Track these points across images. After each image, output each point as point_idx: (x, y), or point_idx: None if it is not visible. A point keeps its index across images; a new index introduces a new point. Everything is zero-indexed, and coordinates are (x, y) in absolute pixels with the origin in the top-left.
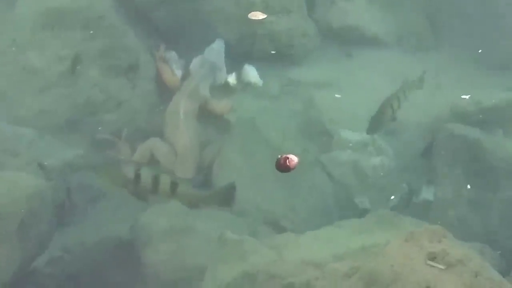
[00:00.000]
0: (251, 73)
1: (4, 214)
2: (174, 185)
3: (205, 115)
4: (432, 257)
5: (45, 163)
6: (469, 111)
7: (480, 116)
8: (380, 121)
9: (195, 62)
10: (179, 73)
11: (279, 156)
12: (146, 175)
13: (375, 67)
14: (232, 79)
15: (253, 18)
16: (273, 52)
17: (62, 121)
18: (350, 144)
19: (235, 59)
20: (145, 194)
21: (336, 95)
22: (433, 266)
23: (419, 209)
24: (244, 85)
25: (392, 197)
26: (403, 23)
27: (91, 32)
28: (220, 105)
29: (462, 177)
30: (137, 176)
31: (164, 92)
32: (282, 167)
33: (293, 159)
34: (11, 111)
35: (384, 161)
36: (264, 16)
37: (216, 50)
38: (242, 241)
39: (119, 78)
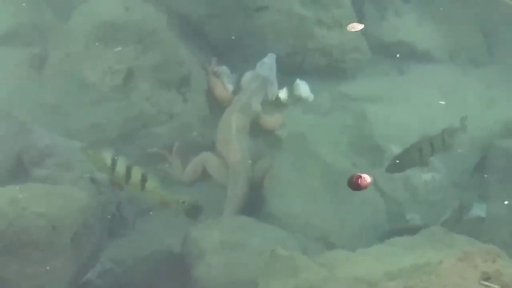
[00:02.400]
0: (302, 87)
1: (59, 227)
2: (143, 179)
3: (257, 129)
4: (486, 277)
5: (97, 177)
6: None
7: None
8: (402, 163)
9: (247, 77)
10: (230, 87)
11: (353, 174)
12: (121, 164)
13: (427, 82)
14: (283, 93)
15: (352, 30)
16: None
17: (114, 135)
18: None
19: (287, 73)
20: (119, 183)
21: (441, 102)
22: (487, 286)
23: (471, 225)
24: (295, 99)
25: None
26: (456, 38)
27: (143, 46)
28: (271, 120)
29: None
30: (113, 164)
31: (216, 106)
32: (354, 185)
33: (366, 178)
34: (64, 125)
35: (436, 177)
36: (362, 26)
37: (268, 64)
38: (293, 257)
39: (171, 92)
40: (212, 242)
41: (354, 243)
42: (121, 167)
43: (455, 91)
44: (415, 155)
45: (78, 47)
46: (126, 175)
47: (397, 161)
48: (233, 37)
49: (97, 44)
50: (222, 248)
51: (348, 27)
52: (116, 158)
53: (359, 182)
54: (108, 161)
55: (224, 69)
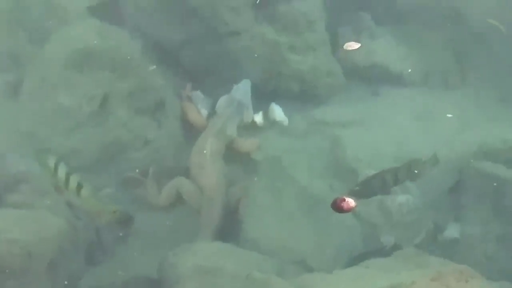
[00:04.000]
0: (277, 112)
1: (34, 254)
2: (79, 186)
3: (232, 154)
4: None
5: (74, 202)
6: (496, 149)
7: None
8: (363, 191)
9: (222, 101)
10: (205, 112)
11: (337, 197)
12: (62, 170)
13: (402, 106)
14: (258, 118)
15: (349, 48)
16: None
17: (90, 160)
18: None
19: (261, 98)
20: (59, 188)
21: (448, 115)
22: None
23: (446, 247)
24: (270, 124)
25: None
26: (429, 61)
27: (118, 72)
28: (246, 144)
29: (490, 215)
30: (55, 169)
31: (191, 131)
32: (338, 208)
33: (351, 202)
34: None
35: (410, 199)
36: (359, 45)
37: (243, 89)
38: (269, 280)
39: (146, 118)
40: (188, 267)
41: (330, 265)
42: (62, 173)
43: (428, 114)
44: (377, 184)
45: (54, 74)
46: (65, 181)
47: (358, 188)
48: (208, 62)
49: (73, 70)
50: (198, 273)
51: (345, 45)
52: (57, 164)
53: (343, 205)
54: (52, 167)
55: (198, 94)
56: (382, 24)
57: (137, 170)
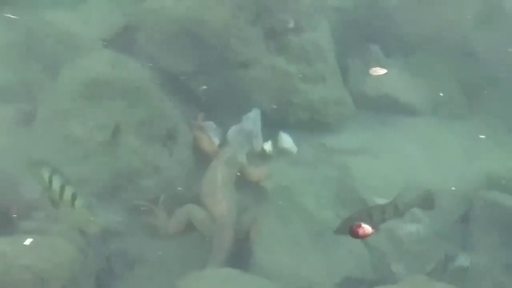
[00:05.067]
0: (286, 140)
1: (47, 280)
2: (74, 197)
3: (242, 182)
4: None
5: (86, 229)
6: (504, 178)
7: None
8: (349, 226)
9: (232, 130)
10: (216, 141)
11: (354, 223)
12: (56, 182)
13: (410, 135)
14: (268, 146)
15: (375, 74)
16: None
17: (101, 188)
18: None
19: (271, 127)
20: (55, 200)
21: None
22: None
23: (455, 275)
24: (280, 152)
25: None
26: (437, 92)
27: (130, 102)
28: (256, 172)
29: (499, 244)
30: (50, 182)
31: (202, 159)
32: (353, 233)
33: (367, 229)
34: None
35: (420, 228)
36: (385, 71)
37: (253, 118)
38: None
39: (157, 146)
40: None
41: None
42: (56, 185)
43: (437, 144)
44: (364, 220)
45: (66, 103)
46: (60, 193)
47: (346, 224)
48: (218, 92)
49: (84, 100)
50: None
51: (371, 71)
52: (52, 176)
53: (359, 230)
54: (46, 179)
55: (209, 123)
56: (391, 55)
57: (145, 199)
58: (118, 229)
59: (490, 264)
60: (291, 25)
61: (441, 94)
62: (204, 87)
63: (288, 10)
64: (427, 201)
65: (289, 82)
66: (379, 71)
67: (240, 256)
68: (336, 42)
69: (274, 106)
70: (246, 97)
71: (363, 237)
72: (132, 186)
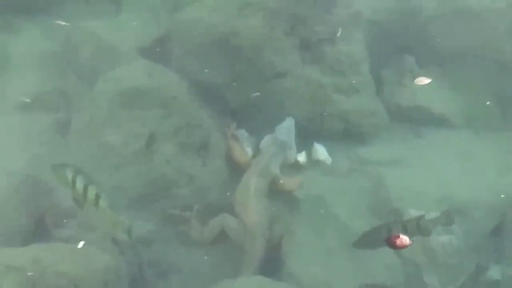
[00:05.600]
0: (320, 151)
1: (81, 287)
2: (97, 197)
3: (275, 192)
4: None
5: (118, 238)
6: None
7: None
8: (369, 241)
9: (266, 140)
10: (249, 151)
11: (392, 233)
12: (80, 182)
13: (444, 147)
14: (302, 157)
15: (419, 84)
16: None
17: (135, 197)
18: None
19: (305, 137)
20: (79, 200)
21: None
22: None
23: None
24: (314, 163)
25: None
26: (472, 103)
27: (165, 111)
28: (289, 182)
29: None
30: (73, 182)
31: (235, 169)
32: (391, 244)
33: (405, 240)
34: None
35: (453, 240)
36: (429, 80)
37: (286, 128)
38: None
39: (191, 155)
40: None
41: None
42: (80, 185)
43: (471, 156)
44: (384, 235)
45: (102, 112)
46: (84, 193)
47: (365, 238)
48: (252, 103)
49: (120, 109)
50: None
51: (415, 81)
52: (75, 177)
53: (396, 241)
54: (69, 179)
55: (243, 133)
56: (425, 67)
57: (179, 208)
58: (152, 238)
59: None
60: (339, 34)
61: (488, 103)
62: (257, 94)
63: (323, 21)
64: (448, 219)
65: (323, 92)
66: (424, 80)
67: (272, 265)
68: (370, 53)
69: (309, 116)
70: (279, 107)
71: (401, 247)
72: (166, 195)
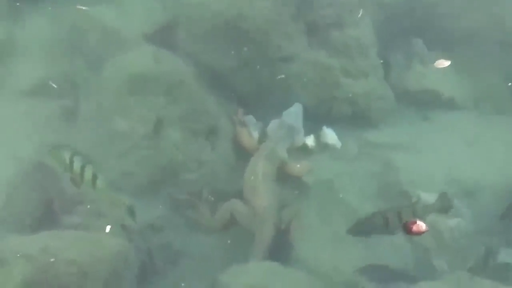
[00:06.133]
0: (330, 135)
1: (90, 274)
2: (94, 178)
3: (283, 176)
4: None
5: (127, 224)
6: None
7: None
8: (364, 228)
9: (273, 125)
10: (256, 135)
11: (408, 219)
12: (77, 163)
13: (452, 130)
14: (310, 141)
15: (440, 66)
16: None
17: (144, 182)
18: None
19: (314, 121)
20: (76, 180)
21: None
22: None
23: (498, 271)
24: (323, 147)
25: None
26: (480, 86)
27: (173, 96)
28: (298, 167)
29: None
30: (71, 163)
31: (243, 154)
32: (408, 230)
33: (421, 226)
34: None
35: (461, 223)
36: (449, 62)
37: (294, 113)
38: None
39: (200, 140)
40: (240, 286)
41: None
42: (77, 166)
43: (479, 139)
44: (379, 222)
45: (110, 98)
46: (81, 173)
47: (360, 225)
48: (260, 87)
49: (128, 95)
50: None
51: (435, 63)
52: (72, 157)
53: (412, 227)
54: (67, 161)
55: (250, 118)
56: (433, 49)
57: (188, 193)
58: (161, 224)
59: None
60: (360, 15)
61: (510, 84)
62: (282, 76)
63: (330, 5)
64: (444, 205)
65: (331, 76)
66: (444, 63)
67: (282, 250)
68: (378, 37)
69: (317, 100)
70: (287, 91)
71: (417, 234)
72: (175, 180)
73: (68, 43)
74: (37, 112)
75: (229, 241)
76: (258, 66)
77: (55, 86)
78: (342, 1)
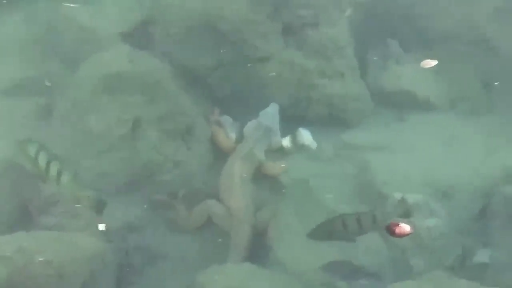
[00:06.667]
0: (305, 136)
1: (66, 275)
2: (59, 174)
3: (260, 177)
4: None
5: (105, 224)
6: None
7: None
8: (322, 232)
9: (250, 126)
10: (233, 136)
11: (392, 221)
12: (43, 158)
13: (428, 131)
14: (286, 142)
15: (426, 66)
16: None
17: (120, 183)
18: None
19: (290, 122)
20: (41, 176)
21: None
22: None
23: (475, 271)
24: (298, 148)
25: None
26: (456, 87)
27: (149, 96)
28: (274, 167)
29: None
30: (36, 158)
31: (220, 154)
32: (390, 232)
33: (405, 227)
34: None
35: (438, 223)
36: (435, 62)
37: (271, 113)
38: None
39: (176, 141)
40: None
41: None
42: (42, 161)
43: (455, 139)
44: (337, 227)
45: (85, 98)
46: (46, 169)
47: (319, 229)
48: (236, 88)
49: (103, 94)
50: None
51: (422, 63)
52: (38, 153)
53: (395, 229)
54: (33, 155)
55: (226, 118)
56: (409, 50)
57: (165, 194)
58: (139, 224)
59: (510, 259)
60: (347, 14)
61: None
62: (273, 73)
63: (307, 5)
64: (405, 211)
65: (307, 77)
66: (431, 62)
67: (259, 251)
68: (354, 37)
69: (293, 101)
70: (263, 92)
71: (400, 236)
72: (151, 181)
73: (44, 42)
74: (12, 112)
75: (207, 242)
76: (234, 66)
77: (49, 84)
78: (318, 1)
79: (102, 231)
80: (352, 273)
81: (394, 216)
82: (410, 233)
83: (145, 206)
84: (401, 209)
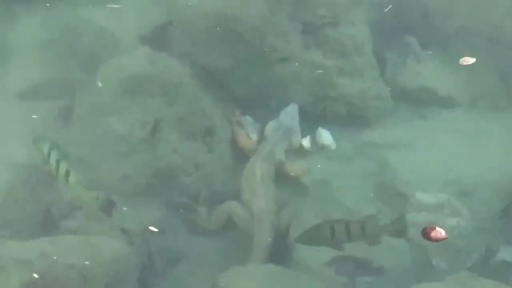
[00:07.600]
0: (325, 135)
1: (90, 278)
2: (67, 173)
3: (282, 177)
4: None
5: (127, 227)
6: None
7: None
8: (310, 237)
9: (270, 126)
10: (254, 137)
11: (427, 226)
12: (54, 157)
13: (449, 128)
14: (306, 142)
15: (464, 63)
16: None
17: (142, 186)
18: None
19: (309, 122)
20: (52, 174)
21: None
22: None
23: (498, 270)
24: (318, 147)
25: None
26: (476, 84)
27: (169, 98)
28: (296, 167)
29: None
30: (48, 156)
31: (241, 155)
32: (426, 236)
33: (440, 232)
34: (91, 177)
35: (461, 222)
36: (474, 60)
37: (291, 113)
38: None
39: (197, 142)
40: None
41: None
42: (53, 160)
43: (476, 136)
44: (325, 234)
45: (105, 100)
46: (56, 167)
47: (307, 234)
48: (256, 88)
49: (124, 96)
50: None
51: (460, 60)
52: (50, 151)
53: (431, 233)
54: (45, 153)
55: (247, 119)
56: (428, 48)
57: (186, 196)
58: (160, 226)
59: None
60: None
61: None
62: (320, 71)
63: (325, 4)
64: (398, 229)
65: (327, 76)
66: (469, 60)
67: (282, 252)
68: (373, 35)
69: (313, 101)
70: (283, 92)
71: (436, 240)
72: (172, 183)
73: (63, 45)
74: (31, 115)
75: (229, 244)
76: (253, 67)
77: (101, 85)
78: (337, 0)
79: (125, 233)
80: (356, 269)
81: (384, 232)
82: (445, 238)
83: (164, 209)
84: (393, 227)
